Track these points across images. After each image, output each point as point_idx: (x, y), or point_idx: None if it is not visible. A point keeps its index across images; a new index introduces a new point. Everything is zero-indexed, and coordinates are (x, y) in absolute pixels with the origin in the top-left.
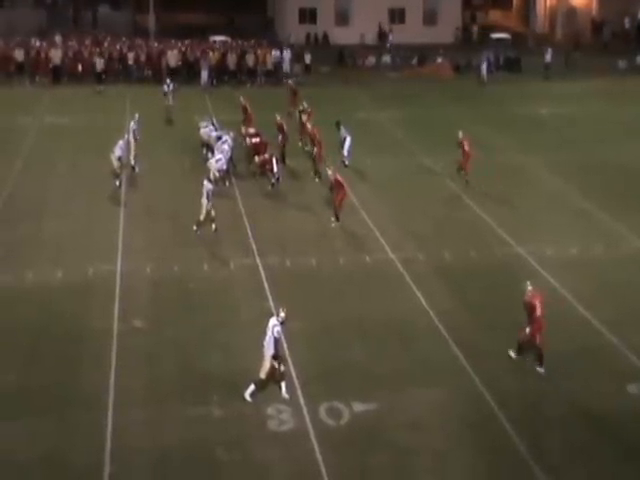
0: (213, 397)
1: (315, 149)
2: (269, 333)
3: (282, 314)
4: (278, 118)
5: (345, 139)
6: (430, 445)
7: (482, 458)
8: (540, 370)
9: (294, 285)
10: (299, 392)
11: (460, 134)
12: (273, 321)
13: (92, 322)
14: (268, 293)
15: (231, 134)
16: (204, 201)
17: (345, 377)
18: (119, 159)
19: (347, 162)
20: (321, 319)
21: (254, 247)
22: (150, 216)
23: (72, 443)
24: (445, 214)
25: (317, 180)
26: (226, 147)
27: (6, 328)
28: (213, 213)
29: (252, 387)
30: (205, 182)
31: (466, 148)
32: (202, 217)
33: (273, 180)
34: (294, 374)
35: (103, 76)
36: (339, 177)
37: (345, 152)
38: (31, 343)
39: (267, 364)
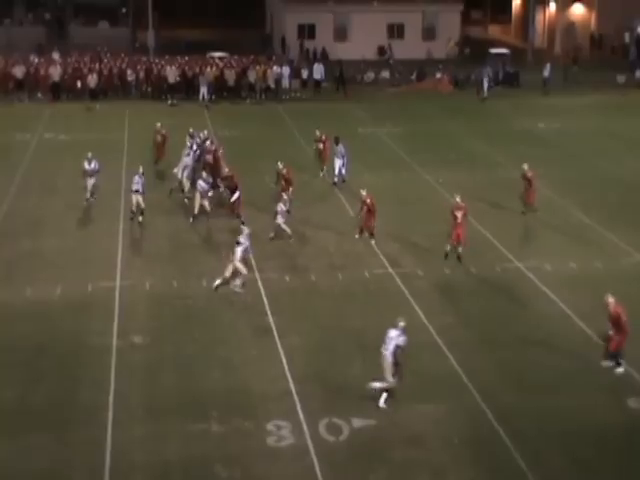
0: (213, 413)
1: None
2: (390, 343)
3: (402, 323)
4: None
5: (342, 158)
6: (430, 461)
7: (482, 473)
8: (607, 364)
9: (293, 300)
10: (298, 408)
11: (317, 132)
12: (394, 332)
13: (91, 338)
14: (267, 308)
15: (194, 147)
16: (197, 196)
17: (344, 393)
18: (137, 192)
19: (336, 180)
20: (320, 334)
21: (253, 262)
22: (149, 232)
23: (72, 460)
24: (444, 229)
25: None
26: (187, 159)
27: (5, 345)
28: (208, 208)
29: (385, 395)
30: (199, 181)
31: (320, 147)
32: (196, 211)
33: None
34: (293, 390)
35: (99, 93)
36: (371, 199)
37: (343, 171)
38: (30, 360)
39: (389, 370)
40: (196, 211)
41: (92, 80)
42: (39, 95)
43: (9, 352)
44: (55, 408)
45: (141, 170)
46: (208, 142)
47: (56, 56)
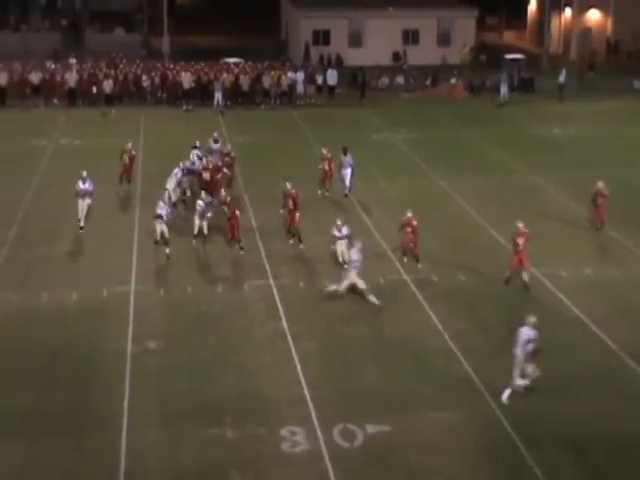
0: (227, 419)
1: (291, 210)
2: (523, 338)
3: (533, 319)
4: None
5: (349, 167)
6: (444, 468)
7: None
8: None
9: (308, 306)
10: (313, 414)
11: (324, 150)
12: (526, 330)
13: (106, 343)
14: (282, 314)
15: (191, 159)
16: (196, 220)
17: (359, 398)
18: (159, 217)
19: (347, 192)
20: (334, 340)
21: (268, 268)
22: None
23: (87, 465)
24: (459, 235)
25: (291, 242)
26: (176, 169)
27: (21, 350)
28: (205, 230)
29: (509, 391)
30: (198, 201)
31: (326, 167)
32: (196, 231)
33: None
34: (308, 395)
35: (114, 98)
36: (415, 222)
37: (347, 182)
38: (45, 364)
39: (519, 369)
40: (196, 231)
41: (107, 86)
42: (55, 101)
43: (25, 357)
44: (70, 413)
45: (167, 195)
46: (203, 160)
47: (73, 62)
